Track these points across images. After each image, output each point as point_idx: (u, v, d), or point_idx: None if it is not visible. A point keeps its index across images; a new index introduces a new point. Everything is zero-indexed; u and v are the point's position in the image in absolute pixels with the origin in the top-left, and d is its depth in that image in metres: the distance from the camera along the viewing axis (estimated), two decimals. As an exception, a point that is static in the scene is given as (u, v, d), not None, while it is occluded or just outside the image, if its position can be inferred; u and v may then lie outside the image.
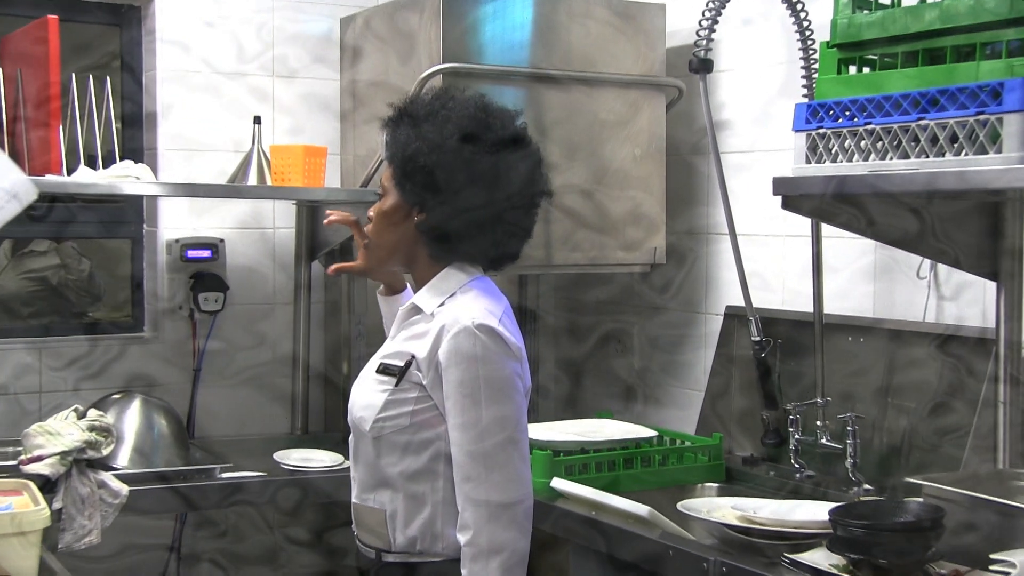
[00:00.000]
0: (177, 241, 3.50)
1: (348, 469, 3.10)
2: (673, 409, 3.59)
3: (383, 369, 2.16)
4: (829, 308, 3.02)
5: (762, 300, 3.21)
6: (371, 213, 2.24)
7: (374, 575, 2.19)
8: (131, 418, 3.03)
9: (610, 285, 3.82)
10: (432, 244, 2.19)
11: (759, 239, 3.29)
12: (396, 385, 2.13)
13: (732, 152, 3.37)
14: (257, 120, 3.43)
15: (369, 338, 3.56)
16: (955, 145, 2.10)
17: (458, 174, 2.12)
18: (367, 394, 2.18)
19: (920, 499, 2.30)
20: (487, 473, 2.06)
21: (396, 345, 2.20)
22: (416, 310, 2.20)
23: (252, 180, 3.38)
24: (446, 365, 2.08)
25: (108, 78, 3.22)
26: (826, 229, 2.97)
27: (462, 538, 2.07)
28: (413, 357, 2.13)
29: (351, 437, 2.25)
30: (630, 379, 3.75)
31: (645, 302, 3.71)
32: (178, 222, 3.55)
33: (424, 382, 2.12)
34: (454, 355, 2.08)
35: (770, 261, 3.27)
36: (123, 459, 2.95)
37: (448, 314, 2.12)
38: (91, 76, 3.16)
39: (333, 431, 3.62)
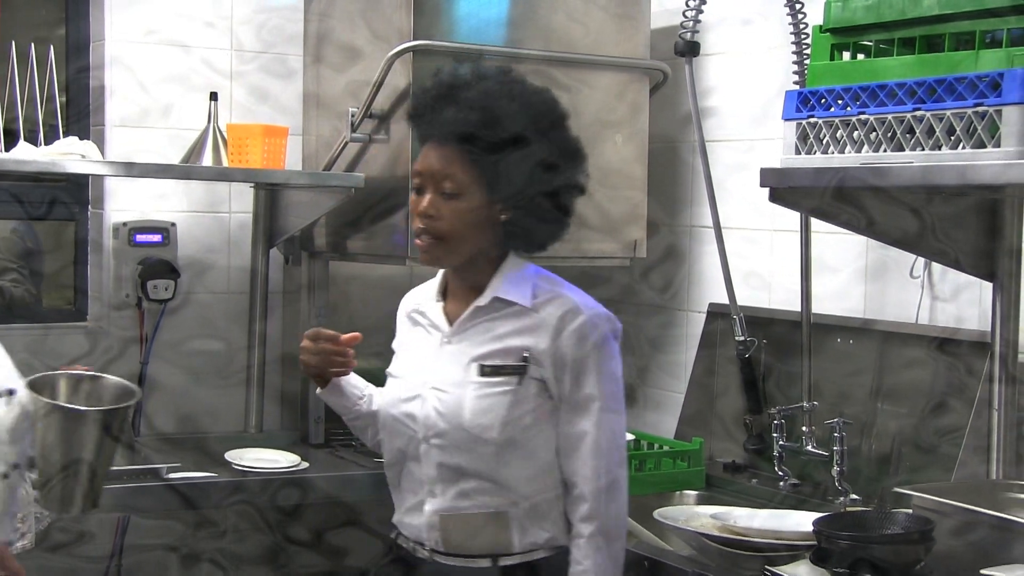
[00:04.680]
0: (125, 224, 3.48)
1: (305, 471, 3.14)
2: (651, 411, 3.61)
3: (492, 371, 2.18)
4: (819, 308, 3.05)
5: (750, 298, 3.23)
6: (430, 211, 2.18)
7: None
8: (72, 413, 3.02)
9: (585, 281, 3.83)
10: (513, 239, 2.24)
11: (747, 234, 3.31)
12: (519, 384, 2.17)
13: (719, 141, 3.39)
14: (214, 96, 3.41)
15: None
16: (952, 138, 2.12)
17: (545, 166, 2.19)
18: (478, 400, 2.18)
19: (909, 510, 2.33)
20: (624, 461, 2.23)
21: (489, 344, 2.20)
22: (499, 305, 2.21)
23: (207, 161, 3.36)
24: (578, 355, 2.17)
25: (52, 47, 3.20)
26: (817, 225, 3.00)
27: (588, 527, 2.16)
28: (528, 352, 2.17)
29: (434, 452, 2.21)
30: (607, 379, 3.76)
31: (623, 298, 3.72)
32: (126, 204, 3.53)
33: (546, 377, 2.18)
34: (585, 342, 2.18)
35: (759, 258, 3.30)
36: (63, 457, 2.93)
37: (558, 304, 2.20)
38: (33, 45, 3.13)
39: (290, 430, 3.62)
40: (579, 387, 2.17)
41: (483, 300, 2.22)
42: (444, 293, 2.30)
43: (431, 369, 2.24)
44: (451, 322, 2.26)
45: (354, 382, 2.40)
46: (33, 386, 2.19)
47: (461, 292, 2.26)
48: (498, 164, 2.16)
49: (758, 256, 3.30)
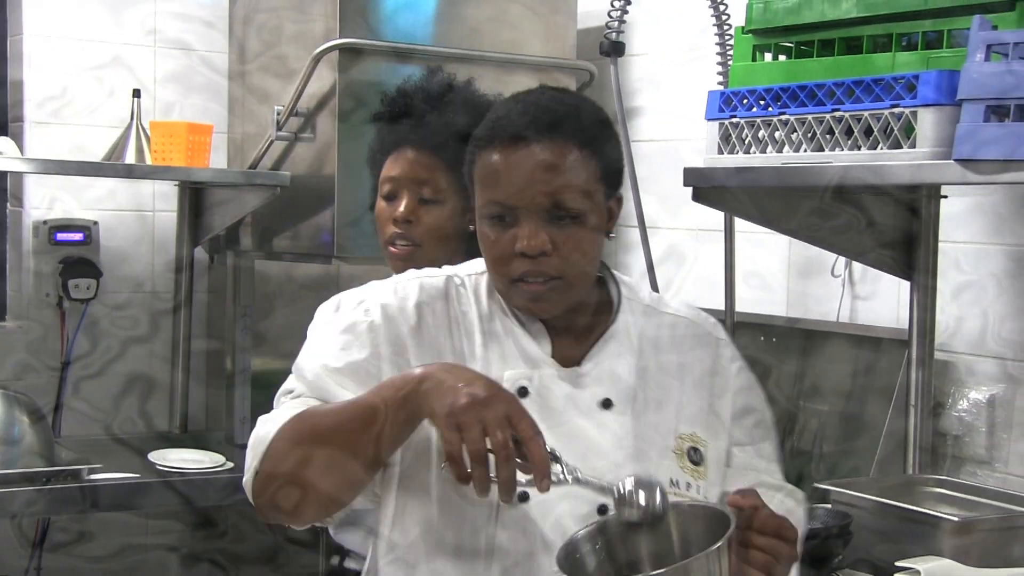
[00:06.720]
0: (45, 223, 3.43)
1: (229, 471, 3.11)
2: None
3: None
4: (741, 307, 3.07)
5: (677, 298, 3.24)
6: (409, 216, 2.17)
7: None
8: (-10, 415, 2.97)
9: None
10: (476, 251, 2.24)
11: (673, 233, 3.33)
12: None
13: (645, 140, 3.40)
14: (136, 93, 3.37)
15: (255, 330, 3.52)
16: (870, 138, 2.15)
17: None
18: None
19: (828, 505, 2.36)
20: None
21: None
22: None
23: (130, 158, 3.32)
24: None
25: (-31, 42, 3.15)
26: (741, 224, 3.02)
27: None
28: None
29: None
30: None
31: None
32: (47, 202, 3.47)
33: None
34: None
35: (685, 256, 3.31)
36: (-20, 459, 2.89)
37: None
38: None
39: (215, 430, 3.58)
40: None
41: None
42: None
43: None
44: None
45: None
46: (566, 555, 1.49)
47: None
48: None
49: (683, 255, 3.31)
